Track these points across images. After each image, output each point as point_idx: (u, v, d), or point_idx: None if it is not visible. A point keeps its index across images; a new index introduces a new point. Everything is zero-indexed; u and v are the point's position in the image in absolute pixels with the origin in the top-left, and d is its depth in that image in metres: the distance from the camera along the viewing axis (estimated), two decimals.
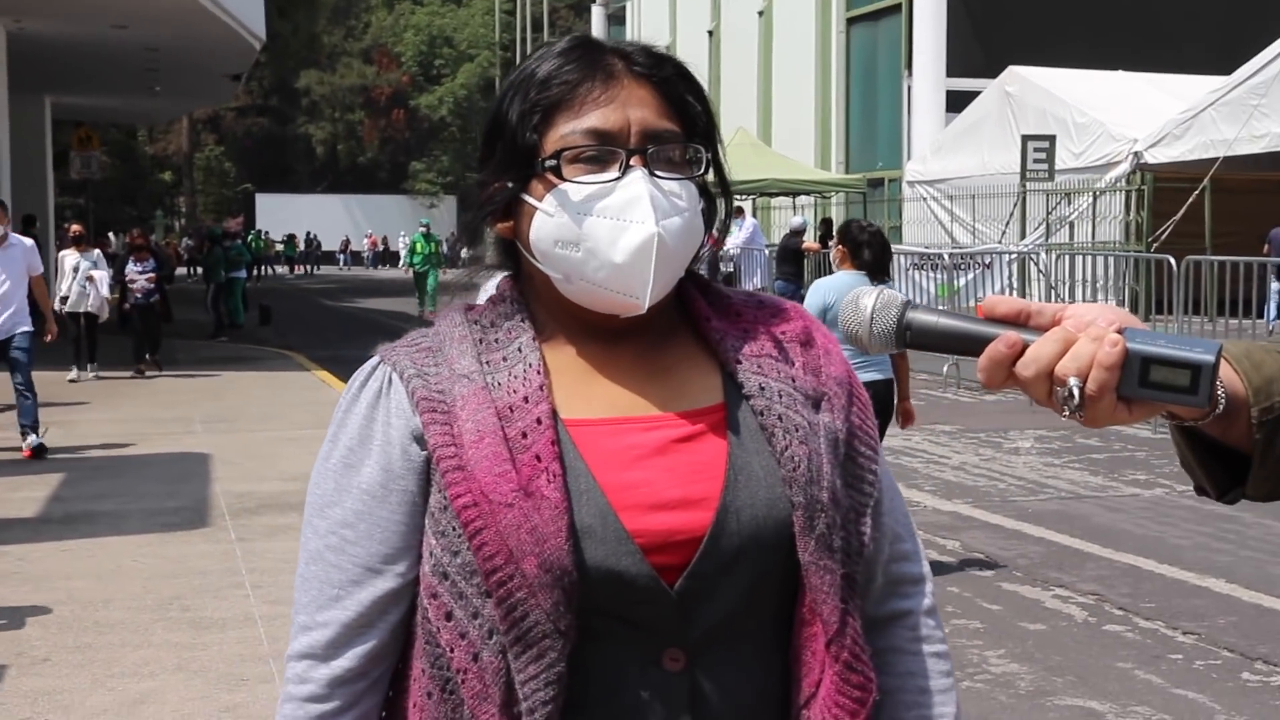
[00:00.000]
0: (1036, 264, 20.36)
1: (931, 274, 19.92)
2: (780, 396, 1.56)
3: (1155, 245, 19.49)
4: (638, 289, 1.51)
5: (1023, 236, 22.14)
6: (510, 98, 1.58)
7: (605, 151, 1.52)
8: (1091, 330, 1.31)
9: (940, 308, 1.44)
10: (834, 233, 7.55)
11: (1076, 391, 1.30)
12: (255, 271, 46.24)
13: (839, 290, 6.97)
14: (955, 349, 1.39)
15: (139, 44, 22.08)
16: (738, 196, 17.71)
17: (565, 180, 1.52)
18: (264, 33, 24.06)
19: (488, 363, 1.54)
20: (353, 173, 76.04)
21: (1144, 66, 25.18)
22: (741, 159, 25.67)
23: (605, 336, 1.58)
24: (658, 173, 1.53)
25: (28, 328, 11.39)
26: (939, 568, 7.61)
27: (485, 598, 1.47)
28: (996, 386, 1.35)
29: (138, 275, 17.34)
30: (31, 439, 11.07)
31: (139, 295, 17.22)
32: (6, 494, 9.51)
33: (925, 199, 26.27)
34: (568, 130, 1.53)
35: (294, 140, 75.14)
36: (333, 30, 71.13)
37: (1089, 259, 19.76)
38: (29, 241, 12.00)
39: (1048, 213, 22.51)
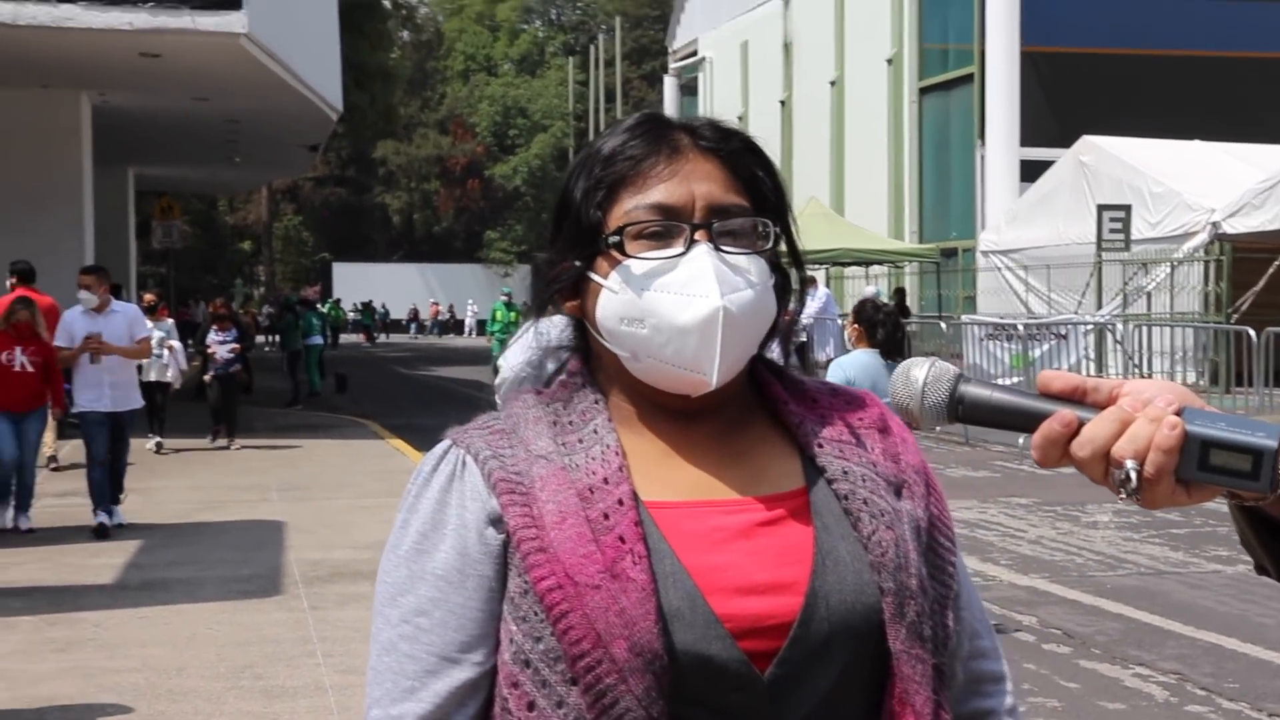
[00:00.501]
0: (1113, 335, 20.17)
1: (1006, 344, 19.77)
2: (864, 481, 1.53)
3: (1235, 316, 19.27)
4: (705, 365, 1.48)
5: (1099, 307, 21.96)
6: (577, 175, 1.57)
7: (669, 226, 1.51)
8: (1150, 411, 1.28)
9: (996, 382, 1.42)
10: (861, 312, 7.62)
11: (1134, 474, 1.27)
12: (333, 339, 46.78)
13: (858, 368, 7.24)
14: (1009, 425, 1.37)
15: (219, 116, 22.48)
16: (810, 266, 17.67)
17: (628, 256, 1.51)
18: (341, 104, 24.41)
19: (564, 444, 1.51)
20: (428, 242, 76.82)
21: (1221, 136, 25.01)
22: (814, 229, 25.68)
23: (679, 417, 1.55)
24: (724, 248, 1.50)
25: (136, 406, 11.40)
26: (1015, 645, 7.50)
27: (570, 685, 1.42)
28: (1051, 465, 1.33)
29: (218, 345, 17.22)
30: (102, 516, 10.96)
31: (220, 365, 17.06)
32: (85, 560, 9.61)
33: (1000, 269, 26.13)
34: (631, 206, 1.52)
35: (370, 209, 76.05)
36: (409, 101, 72.04)
37: (1167, 330, 19.56)
38: (134, 308, 11.93)
39: (1124, 283, 22.32)
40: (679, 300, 1.48)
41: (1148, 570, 9.54)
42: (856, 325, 7.53)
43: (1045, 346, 19.58)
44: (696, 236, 1.50)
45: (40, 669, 6.95)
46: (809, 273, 25.71)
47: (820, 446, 1.55)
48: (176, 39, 15.66)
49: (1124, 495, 1.29)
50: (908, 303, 26.34)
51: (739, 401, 1.58)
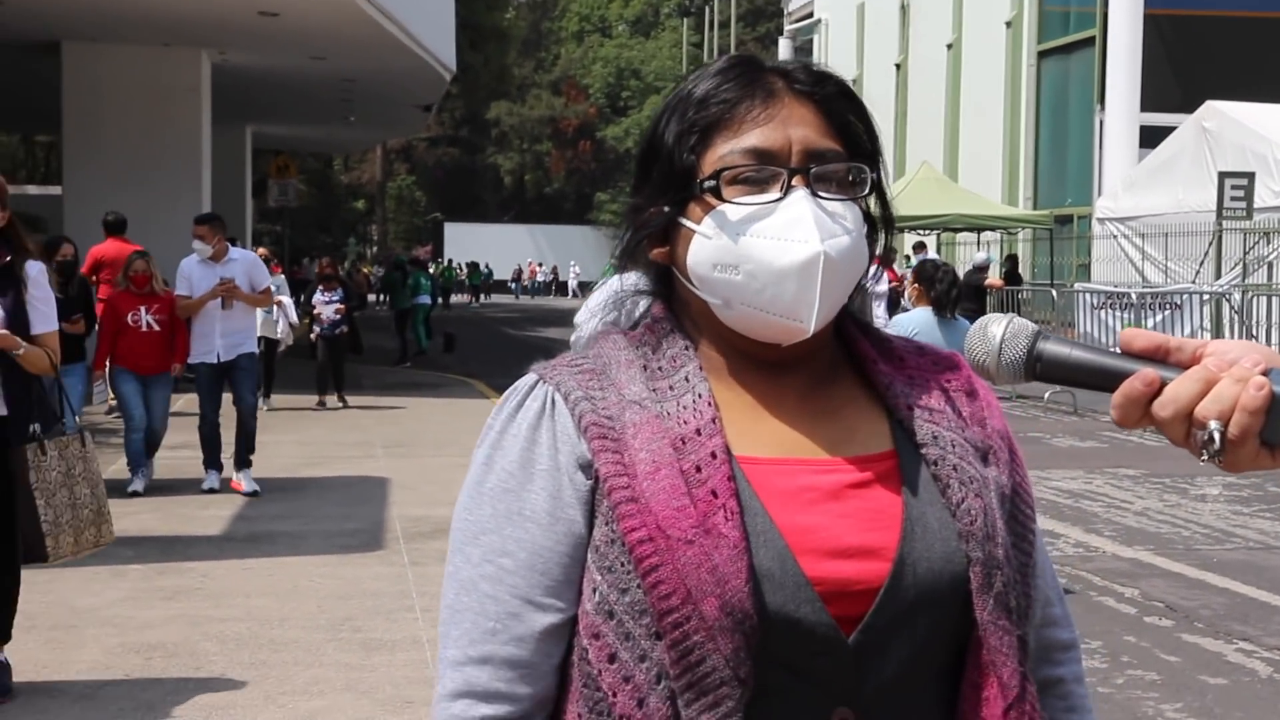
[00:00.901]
0: (1231, 304, 19.77)
1: (1119, 313, 19.46)
2: (954, 447, 1.50)
3: None
4: (802, 312, 1.45)
5: (1218, 276, 21.51)
6: (667, 119, 1.54)
7: (767, 171, 1.47)
8: (1235, 371, 1.26)
9: (1077, 341, 1.39)
10: (916, 272, 7.88)
11: (1217, 435, 1.24)
12: (444, 300, 47.18)
13: (915, 324, 7.51)
14: (1089, 383, 1.34)
15: (335, 75, 22.72)
16: (921, 231, 17.58)
17: (724, 201, 1.48)
18: (455, 65, 24.58)
19: (655, 390, 1.48)
20: (539, 203, 77.18)
21: None
22: (926, 193, 25.44)
23: (768, 369, 1.52)
24: (821, 193, 1.47)
25: (251, 349, 10.95)
26: (1116, 617, 7.41)
27: (655, 640, 1.39)
28: (1132, 425, 1.30)
29: (324, 305, 16.93)
30: (211, 478, 10.68)
31: (326, 325, 16.77)
32: (195, 512, 9.82)
33: (1115, 236, 25.68)
34: (726, 150, 1.48)
35: (483, 170, 76.56)
36: (523, 62, 72.33)
37: None
38: (251, 255, 11.56)
39: (1245, 252, 21.84)
40: (777, 245, 1.45)
41: (1256, 545, 9.37)
42: (916, 284, 7.80)
43: (1160, 316, 19.25)
44: (794, 182, 1.47)
45: (148, 615, 7.13)
46: (919, 238, 25.49)
47: (910, 409, 1.52)
48: None
49: (1205, 457, 1.26)
50: (1020, 270, 25.99)
51: (826, 355, 1.56)
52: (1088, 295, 20.23)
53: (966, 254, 27.63)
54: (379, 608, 7.26)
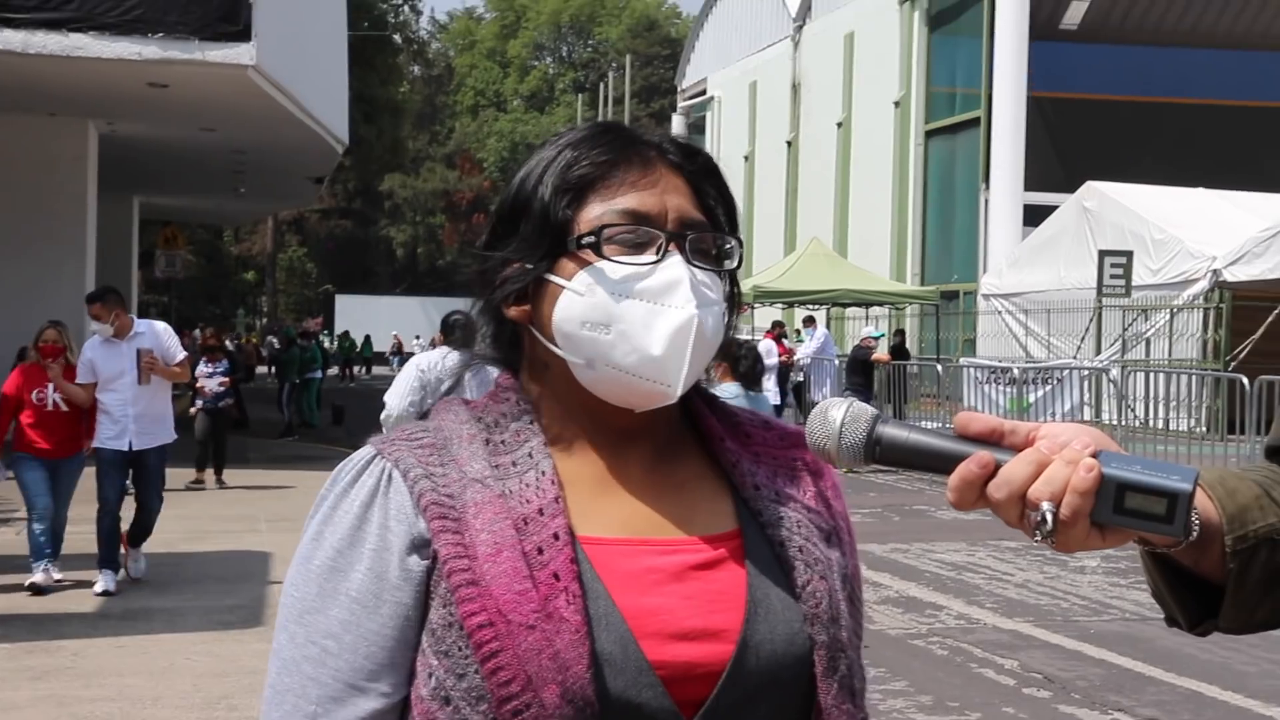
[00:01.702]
0: (1110, 379, 20.17)
1: (1003, 388, 19.78)
2: (799, 528, 1.49)
3: (1234, 364, 19.29)
4: (671, 375, 1.43)
5: (1098, 352, 21.98)
6: (539, 175, 1.51)
7: (644, 234, 1.46)
8: (1066, 453, 1.27)
9: (913, 424, 1.41)
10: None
11: (1049, 517, 1.26)
12: (345, 372, 46.70)
13: (727, 398, 7.58)
14: (927, 466, 1.35)
15: (226, 147, 22.55)
16: (810, 306, 17.74)
17: (605, 259, 1.45)
18: (348, 137, 24.51)
19: (498, 466, 1.44)
20: (431, 275, 76.95)
21: (1225, 184, 25.10)
22: (815, 269, 25.77)
23: (613, 440, 1.49)
24: (694, 262, 1.47)
25: (166, 440, 9.77)
26: (995, 689, 7.48)
27: None
28: (967, 508, 1.31)
29: (207, 378, 16.25)
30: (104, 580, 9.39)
31: (209, 399, 16.14)
32: (68, 595, 9.58)
33: (1000, 312, 26.17)
34: (602, 210, 1.47)
35: (375, 242, 76.24)
36: (417, 135, 72.40)
37: (1164, 376, 19.56)
38: (161, 325, 10.16)
39: (1123, 328, 22.35)
40: (653, 308, 1.44)
41: (1132, 616, 9.51)
42: (722, 362, 8.00)
43: (1042, 391, 19.59)
44: (670, 247, 1.46)
45: (13, 696, 6.94)
46: (808, 312, 25.77)
47: (756, 488, 1.51)
48: (184, 70, 15.71)
49: (1039, 538, 1.28)
50: (907, 345, 26.35)
51: (672, 427, 1.54)
52: (973, 370, 20.56)
53: (855, 329, 27.98)
54: (257, 685, 7.13)
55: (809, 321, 24.35)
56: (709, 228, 1.50)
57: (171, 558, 10.94)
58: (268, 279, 66.92)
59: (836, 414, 1.37)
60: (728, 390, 7.79)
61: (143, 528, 9.81)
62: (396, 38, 51.60)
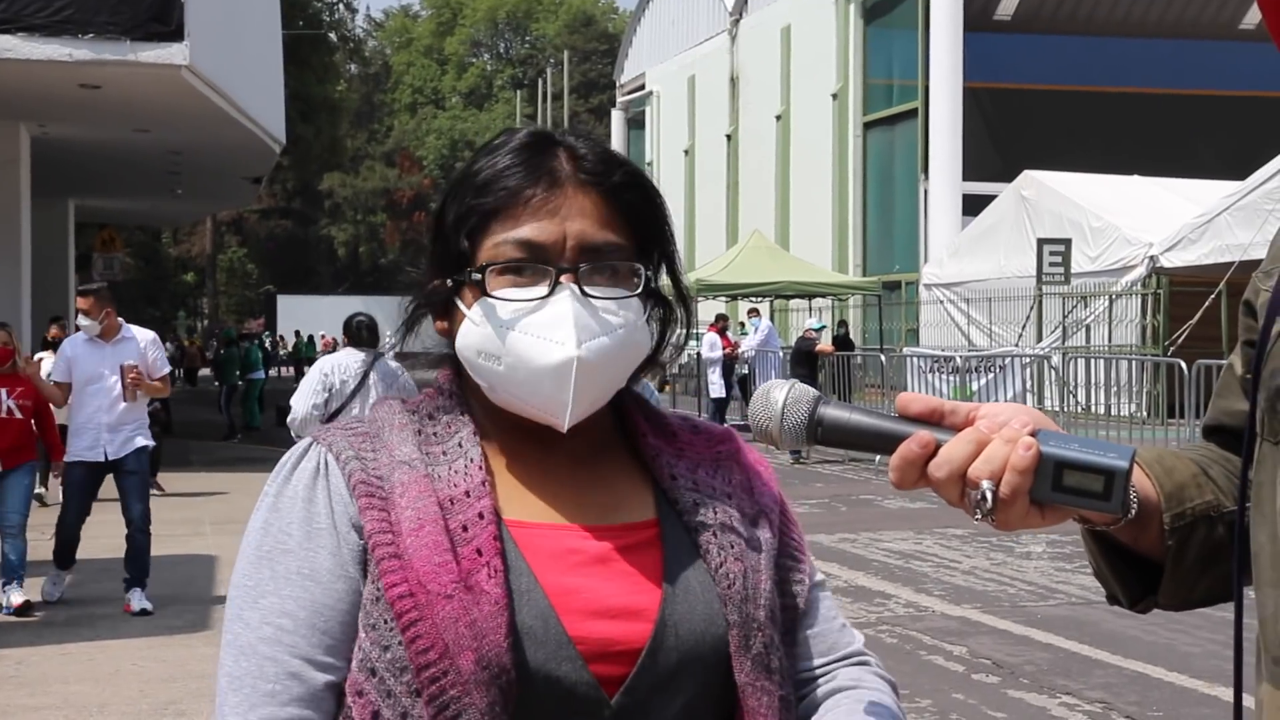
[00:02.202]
0: (1052, 366, 20.34)
1: (947, 376, 19.90)
2: (715, 514, 1.53)
3: (1172, 349, 19.49)
4: (556, 410, 1.47)
5: (1039, 339, 22.16)
6: (451, 197, 1.55)
7: (535, 267, 1.48)
8: (1005, 432, 1.29)
9: (855, 405, 1.42)
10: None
11: (989, 495, 1.28)
12: (302, 373, 46.22)
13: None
14: (868, 446, 1.37)
15: (161, 148, 22.35)
16: (753, 299, 17.73)
17: (490, 295, 1.48)
18: (285, 137, 24.33)
19: (429, 453, 1.49)
20: (374, 274, 76.59)
21: (1159, 171, 25.36)
22: (757, 261, 25.82)
23: (540, 439, 1.54)
24: (590, 291, 1.48)
25: (145, 442, 9.26)
26: (944, 675, 7.53)
27: (415, 697, 1.38)
28: (908, 487, 1.33)
29: None
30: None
31: None
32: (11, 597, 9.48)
33: (942, 302, 26.34)
34: (501, 239, 1.49)
35: (316, 242, 75.80)
36: (356, 134, 71.99)
37: (1104, 362, 19.75)
38: (148, 334, 9.52)
39: (1064, 316, 22.54)
40: (537, 344, 1.46)
41: (1078, 600, 9.59)
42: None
43: (985, 379, 19.72)
44: (563, 280, 1.48)
45: None
46: (752, 304, 25.84)
47: (674, 479, 1.56)
48: (117, 71, 15.55)
49: (979, 516, 1.29)
50: (850, 335, 26.46)
51: (600, 426, 1.58)
52: (916, 359, 20.65)
53: (799, 320, 28.09)
54: (204, 690, 7.07)
55: (753, 313, 24.41)
56: (616, 249, 1.51)
57: (115, 563, 10.80)
58: (208, 280, 66.43)
59: (779, 395, 1.39)
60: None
61: (138, 551, 9.09)
62: (332, 36, 51.29)
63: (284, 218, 73.91)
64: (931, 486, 1.32)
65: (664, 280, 1.61)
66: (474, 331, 1.50)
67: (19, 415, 9.00)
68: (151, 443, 9.48)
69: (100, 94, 17.02)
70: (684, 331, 1.64)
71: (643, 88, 50.71)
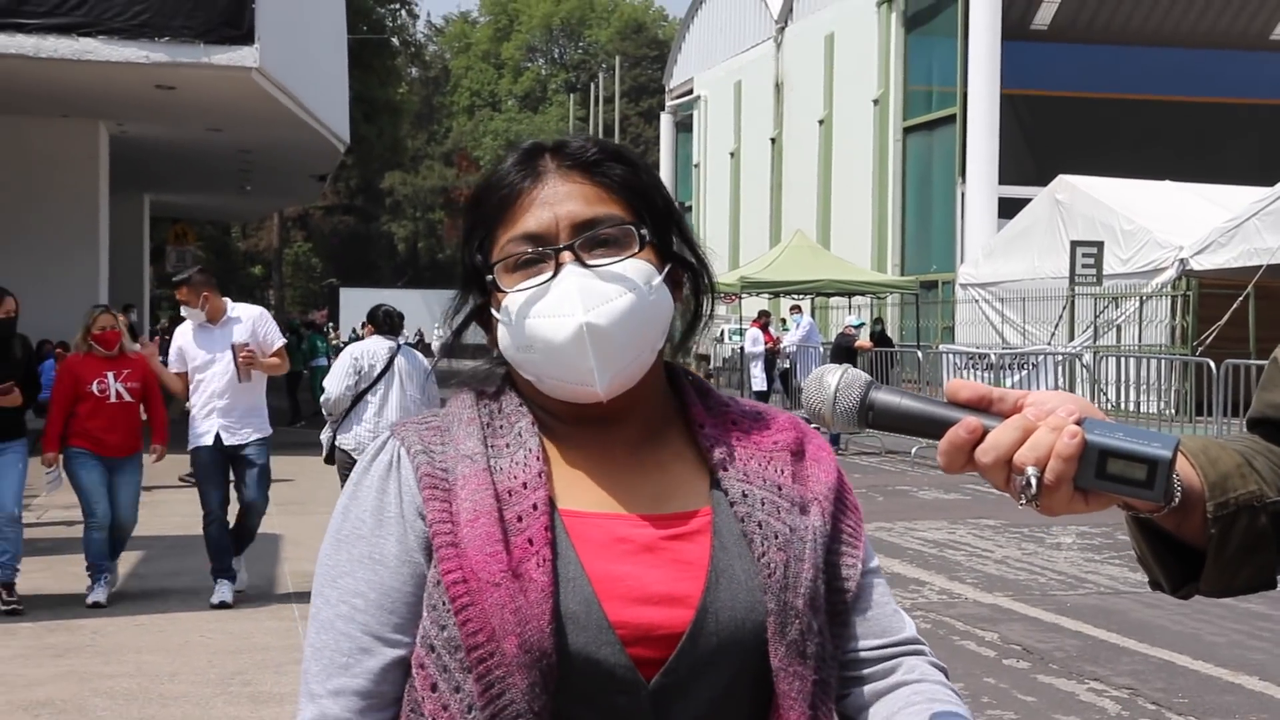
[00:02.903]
0: (1083, 364, 20.19)
1: (981, 373, 19.79)
2: (762, 504, 1.54)
3: (1200, 349, 19.30)
4: (587, 379, 1.49)
5: (1071, 338, 21.99)
6: (464, 219, 1.61)
7: (538, 254, 1.51)
8: (1051, 420, 1.28)
9: (905, 391, 1.41)
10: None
11: (1034, 481, 1.27)
12: None
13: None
14: (918, 431, 1.36)
15: (232, 146, 22.50)
16: (795, 296, 17.63)
17: (502, 291, 1.53)
18: (349, 137, 24.45)
19: (493, 446, 1.53)
20: (431, 269, 76.85)
21: (1190, 176, 25.11)
22: (799, 260, 25.74)
23: (597, 423, 1.56)
24: (591, 261, 1.50)
25: (263, 434, 8.74)
26: (976, 659, 7.49)
27: (466, 673, 1.44)
28: (956, 471, 1.33)
29: None
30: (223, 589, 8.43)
31: None
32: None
33: (977, 301, 26.18)
34: (505, 240, 1.54)
35: (377, 237, 76.08)
36: (416, 135, 72.25)
37: (1134, 361, 19.59)
38: (255, 310, 8.94)
39: (1095, 316, 22.36)
40: (551, 323, 1.49)
41: (1106, 590, 9.53)
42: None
43: (1018, 376, 19.60)
44: (562, 258, 1.51)
45: (37, 673, 6.94)
46: (794, 301, 25.77)
47: (725, 469, 1.56)
48: (191, 72, 15.67)
49: (1024, 501, 1.28)
50: (887, 332, 26.35)
51: (657, 410, 1.60)
52: (952, 356, 20.57)
53: (839, 318, 27.99)
54: (268, 661, 7.14)
55: (795, 310, 24.33)
56: (610, 219, 1.53)
57: (186, 540, 10.91)
58: (274, 273, 66.80)
59: (832, 380, 1.39)
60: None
61: (245, 531, 8.79)
62: (394, 41, 51.46)
63: (347, 214, 74.23)
64: (978, 471, 1.31)
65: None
66: (506, 331, 1.55)
67: (128, 399, 8.47)
68: (270, 431, 8.94)
69: (175, 94, 17.16)
70: (710, 296, 1.65)
71: (690, 92, 50.60)
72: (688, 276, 1.61)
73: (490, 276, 1.55)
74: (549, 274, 1.51)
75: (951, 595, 9.26)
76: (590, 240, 1.52)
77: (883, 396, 1.37)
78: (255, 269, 70.57)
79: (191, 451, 8.49)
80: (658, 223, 1.57)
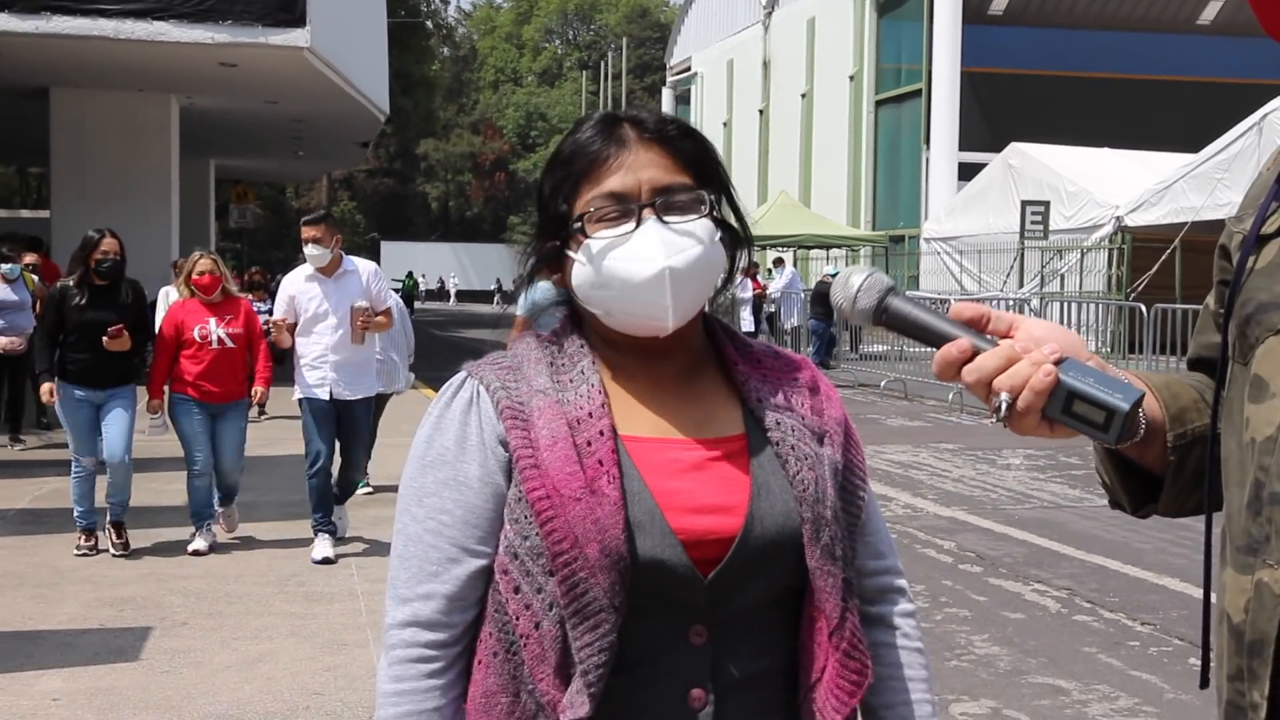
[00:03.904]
0: (1031, 309, 20.13)
1: None
2: (792, 431, 1.58)
3: (1132, 295, 19.24)
4: (660, 314, 1.53)
5: (1021, 286, 21.91)
6: (547, 174, 1.61)
7: (622, 209, 1.54)
8: (1034, 354, 1.28)
9: (920, 301, 1.41)
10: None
11: (1005, 405, 1.27)
12: (411, 306, 46.36)
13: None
14: (921, 338, 1.37)
15: (286, 117, 22.37)
16: (779, 248, 17.74)
17: (589, 237, 1.55)
18: (388, 108, 24.29)
19: (558, 381, 1.56)
20: (461, 225, 76.60)
21: (1126, 144, 24.92)
22: (784, 217, 25.60)
23: (648, 358, 1.60)
24: (668, 219, 1.54)
25: (371, 389, 7.51)
26: (936, 565, 7.52)
27: (549, 576, 1.47)
28: (947, 380, 1.34)
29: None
30: (323, 545, 7.26)
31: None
32: (163, 486, 9.60)
33: (939, 253, 26.07)
34: (591, 195, 1.56)
35: (413, 197, 75.75)
36: (447, 106, 71.69)
37: (1075, 305, 19.53)
38: (369, 266, 7.59)
39: (1042, 266, 22.28)
40: (634, 264, 1.52)
41: (1049, 504, 9.56)
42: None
43: None
44: (645, 215, 1.54)
45: (120, 574, 6.98)
46: (778, 254, 25.66)
47: (759, 401, 1.60)
48: (250, 51, 15.59)
49: (996, 420, 1.29)
50: None
51: (696, 348, 1.64)
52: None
53: (817, 267, 27.89)
54: (320, 566, 7.16)
55: (779, 262, 24.24)
56: (685, 188, 1.56)
57: (248, 460, 10.93)
58: None
59: (856, 280, 1.40)
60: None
61: (347, 485, 7.81)
62: (428, 24, 50.97)
63: (387, 176, 73.91)
64: (964, 385, 1.32)
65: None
66: (584, 270, 1.57)
67: (231, 345, 7.46)
68: (377, 389, 7.80)
69: (236, 71, 17.05)
70: (748, 251, 1.68)
71: (689, 69, 50.17)
72: (728, 238, 1.64)
73: (578, 225, 1.57)
74: (631, 226, 1.54)
75: (915, 509, 9.29)
76: (668, 203, 1.55)
77: (897, 303, 1.38)
78: None
79: (300, 401, 7.33)
80: (715, 192, 1.61)
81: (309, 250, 7.22)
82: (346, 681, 5.24)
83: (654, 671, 1.50)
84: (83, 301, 7.33)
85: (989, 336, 1.33)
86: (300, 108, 21.19)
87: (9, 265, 11.28)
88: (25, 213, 37.65)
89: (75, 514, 7.48)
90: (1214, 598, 1.38)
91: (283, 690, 5.13)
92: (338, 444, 7.47)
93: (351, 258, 7.54)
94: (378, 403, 8.52)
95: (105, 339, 7.19)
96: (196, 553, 7.43)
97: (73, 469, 7.51)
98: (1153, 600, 6.78)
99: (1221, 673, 1.31)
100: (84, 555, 7.37)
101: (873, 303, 1.38)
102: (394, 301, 7.85)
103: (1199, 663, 1.40)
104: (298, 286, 7.31)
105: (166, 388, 7.52)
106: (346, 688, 5.17)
